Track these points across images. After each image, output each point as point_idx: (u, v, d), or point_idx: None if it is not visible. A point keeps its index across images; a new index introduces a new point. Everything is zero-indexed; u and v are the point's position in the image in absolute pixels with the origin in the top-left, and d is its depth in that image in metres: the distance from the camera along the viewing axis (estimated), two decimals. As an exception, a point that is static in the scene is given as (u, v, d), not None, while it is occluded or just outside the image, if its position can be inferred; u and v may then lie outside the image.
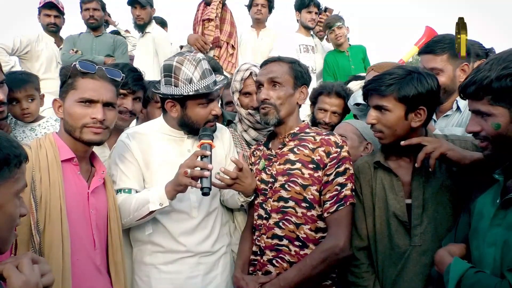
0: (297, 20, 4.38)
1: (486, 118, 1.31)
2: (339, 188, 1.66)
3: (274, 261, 1.68)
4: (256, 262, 1.75)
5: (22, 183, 0.95)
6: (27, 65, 3.72)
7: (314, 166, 1.69)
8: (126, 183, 1.76)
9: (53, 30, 3.93)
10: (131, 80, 1.99)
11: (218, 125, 2.06)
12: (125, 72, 1.93)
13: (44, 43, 3.84)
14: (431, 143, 1.54)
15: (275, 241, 1.69)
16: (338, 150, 1.69)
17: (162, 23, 4.72)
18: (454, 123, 2.00)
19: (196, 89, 1.71)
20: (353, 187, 1.71)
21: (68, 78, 1.51)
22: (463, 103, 1.98)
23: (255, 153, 1.92)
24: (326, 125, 2.57)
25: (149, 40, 4.03)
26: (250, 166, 1.88)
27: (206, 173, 1.56)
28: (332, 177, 1.67)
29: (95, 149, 1.87)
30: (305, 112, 3.06)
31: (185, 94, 1.71)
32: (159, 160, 1.80)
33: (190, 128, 1.82)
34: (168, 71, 1.73)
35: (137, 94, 2.06)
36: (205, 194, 1.59)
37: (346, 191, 1.67)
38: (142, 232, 1.82)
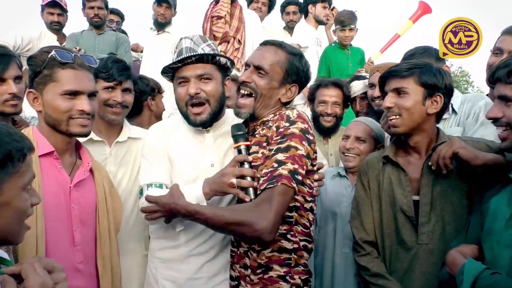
0: (309, 13, 4.43)
1: (509, 104, 1.31)
2: (276, 165, 1.41)
3: (248, 253, 1.55)
4: (233, 254, 1.65)
5: (29, 176, 0.94)
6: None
7: (266, 143, 1.52)
8: (157, 177, 1.69)
9: (57, 28, 3.93)
10: (116, 71, 1.92)
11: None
12: (109, 64, 1.90)
13: (47, 40, 3.82)
14: (444, 146, 1.54)
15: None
16: (287, 124, 1.47)
17: None
18: (452, 125, 2.04)
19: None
20: (299, 171, 1.42)
21: (43, 68, 1.43)
22: (457, 105, 2.05)
23: None
24: (329, 116, 2.57)
25: (168, 40, 4.07)
26: None
27: (256, 183, 1.47)
28: (272, 152, 1.45)
29: (96, 147, 1.83)
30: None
31: (161, 72, 1.73)
32: (180, 157, 1.74)
33: (182, 114, 1.73)
34: None
35: (125, 84, 1.98)
36: None
37: (282, 170, 1.39)
38: (161, 228, 1.77)
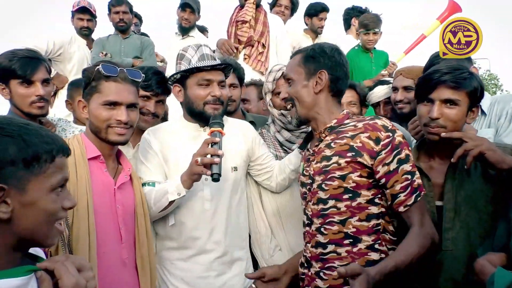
0: (352, 25, 4.60)
1: None
2: (409, 176, 1.45)
3: (321, 274, 1.50)
4: (304, 276, 1.59)
5: (58, 178, 0.94)
6: (60, 67, 3.84)
7: (353, 153, 1.46)
8: (150, 176, 1.83)
9: (86, 33, 4.04)
10: (154, 82, 2.03)
11: (241, 121, 2.11)
12: (149, 75, 2.00)
13: (77, 45, 3.94)
14: (472, 140, 1.50)
15: (319, 249, 1.51)
16: (390, 134, 1.46)
17: (203, 29, 4.86)
18: (482, 127, 2.03)
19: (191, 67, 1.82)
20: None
21: (92, 80, 1.57)
22: (486, 106, 2.03)
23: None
24: None
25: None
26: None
27: (216, 159, 1.58)
28: (395, 165, 1.44)
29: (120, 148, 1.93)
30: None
31: (180, 70, 1.85)
32: (177, 156, 1.85)
33: (194, 113, 1.87)
34: (176, 58, 1.91)
35: (160, 97, 2.10)
36: (215, 180, 1.61)
37: (418, 180, 1.47)
38: (162, 226, 1.87)
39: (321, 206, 1.51)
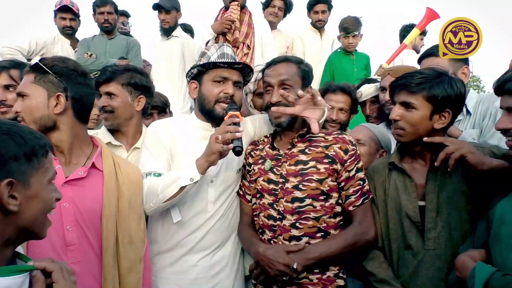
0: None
1: None
2: (361, 182, 1.73)
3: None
4: None
5: (52, 171, 1.01)
6: (43, 67, 3.76)
7: (330, 160, 1.71)
8: (156, 167, 1.73)
9: (69, 33, 3.97)
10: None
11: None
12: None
13: (60, 45, 3.87)
14: (453, 144, 1.54)
15: (293, 242, 1.67)
16: (355, 148, 1.75)
17: (188, 31, 4.77)
18: (466, 127, 2.04)
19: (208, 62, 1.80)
20: None
21: None
22: (471, 106, 2.06)
23: (253, 153, 1.88)
24: (333, 122, 2.50)
25: (176, 44, 4.04)
26: (247, 167, 1.87)
27: (238, 134, 1.58)
28: (353, 172, 1.72)
29: (114, 151, 1.83)
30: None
31: (196, 65, 1.83)
32: (184, 153, 1.78)
33: (204, 111, 1.82)
34: (198, 56, 1.92)
35: (104, 88, 1.94)
36: (237, 153, 1.59)
37: (367, 186, 1.75)
38: (155, 229, 1.82)
39: (297, 204, 1.69)
